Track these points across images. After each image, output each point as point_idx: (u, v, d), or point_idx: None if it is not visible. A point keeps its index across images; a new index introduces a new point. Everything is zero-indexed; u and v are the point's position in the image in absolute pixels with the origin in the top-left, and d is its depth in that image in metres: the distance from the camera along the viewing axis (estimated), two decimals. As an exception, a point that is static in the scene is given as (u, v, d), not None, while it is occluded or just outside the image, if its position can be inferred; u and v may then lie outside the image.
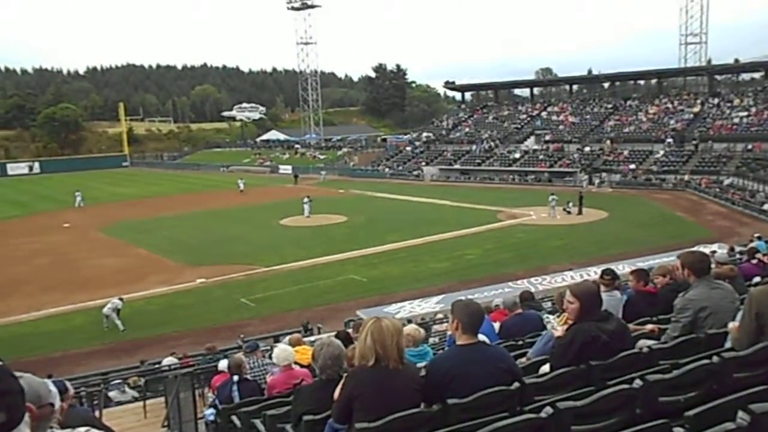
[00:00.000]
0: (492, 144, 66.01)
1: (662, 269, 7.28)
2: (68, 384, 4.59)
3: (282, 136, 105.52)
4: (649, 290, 7.21)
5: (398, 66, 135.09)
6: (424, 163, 67.27)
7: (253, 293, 24.51)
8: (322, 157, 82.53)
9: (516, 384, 3.79)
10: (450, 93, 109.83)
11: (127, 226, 40.85)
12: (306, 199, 42.03)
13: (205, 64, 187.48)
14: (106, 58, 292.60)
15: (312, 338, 12.64)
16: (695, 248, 6.42)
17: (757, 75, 66.44)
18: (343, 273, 27.11)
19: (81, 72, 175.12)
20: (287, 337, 10.36)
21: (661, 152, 53.69)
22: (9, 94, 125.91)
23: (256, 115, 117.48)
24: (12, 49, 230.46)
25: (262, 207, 47.80)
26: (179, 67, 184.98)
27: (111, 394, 15.10)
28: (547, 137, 63.84)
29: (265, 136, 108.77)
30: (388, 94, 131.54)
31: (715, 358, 3.71)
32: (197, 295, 24.81)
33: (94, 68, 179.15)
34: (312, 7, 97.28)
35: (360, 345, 3.73)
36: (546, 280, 24.02)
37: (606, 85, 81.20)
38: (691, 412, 2.88)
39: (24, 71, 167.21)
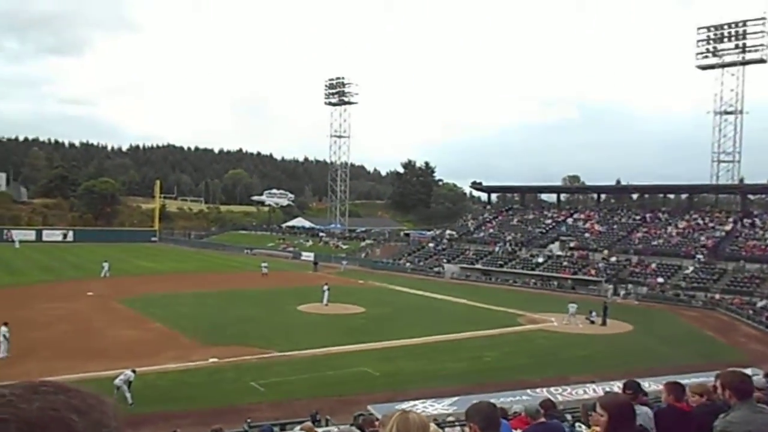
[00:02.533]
0: (515, 247, 65.79)
1: (699, 388, 6.85)
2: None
3: (307, 224, 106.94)
4: (683, 407, 6.77)
5: (427, 164, 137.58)
6: (445, 261, 67.00)
7: (264, 377, 23.93)
8: (344, 246, 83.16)
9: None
10: (476, 193, 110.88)
11: (148, 300, 40.88)
12: (325, 287, 41.75)
13: (240, 150, 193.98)
14: (149, 138, 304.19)
15: (321, 430, 12.11)
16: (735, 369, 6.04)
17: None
18: (357, 365, 26.39)
19: (124, 149, 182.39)
20: (298, 426, 9.92)
21: (691, 268, 52.71)
22: (54, 165, 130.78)
23: (285, 202, 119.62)
24: (63, 122, 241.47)
25: (282, 291, 47.59)
26: (216, 150, 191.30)
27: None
28: (572, 244, 63.30)
29: (291, 222, 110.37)
30: (415, 190, 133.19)
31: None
32: (208, 374, 24.32)
33: (137, 147, 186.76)
34: (348, 103, 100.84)
35: None
36: (567, 390, 23.02)
37: (635, 196, 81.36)
38: None
39: (71, 145, 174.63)
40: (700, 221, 61.41)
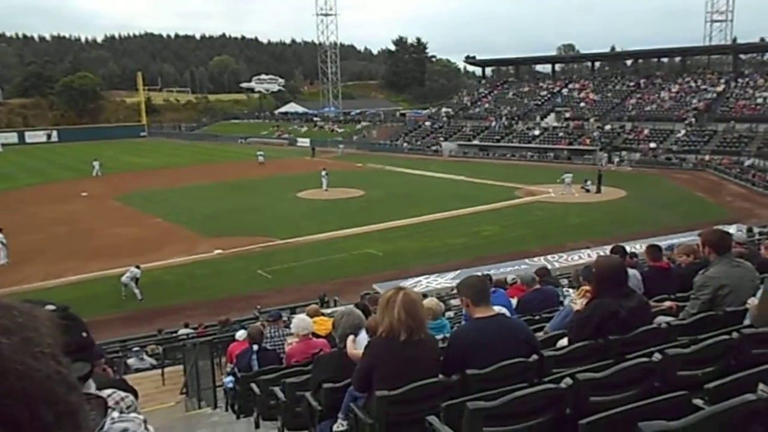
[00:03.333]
0: (512, 120, 65.54)
1: (686, 249, 7.27)
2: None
3: (301, 109, 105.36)
4: (663, 266, 7.21)
5: (419, 40, 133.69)
6: (442, 139, 66.94)
7: (270, 265, 24.72)
8: (340, 130, 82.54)
9: (534, 356, 3.84)
10: (470, 68, 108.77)
11: (145, 196, 41.16)
12: (324, 172, 42.14)
13: (223, 35, 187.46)
14: (125, 27, 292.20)
15: (329, 310, 12.78)
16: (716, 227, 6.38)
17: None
18: (360, 247, 27.22)
19: (99, 40, 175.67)
20: (306, 309, 10.48)
21: (683, 132, 52.96)
22: (27, 62, 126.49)
23: (275, 87, 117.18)
24: (30, 13, 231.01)
25: (280, 179, 47.92)
26: (198, 37, 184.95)
27: (130, 361, 15.44)
28: (568, 114, 63.16)
29: (283, 109, 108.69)
30: (408, 68, 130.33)
31: (734, 334, 3.72)
32: (214, 266, 25.05)
33: (113, 37, 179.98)
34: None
35: (390, 318, 3.71)
36: (563, 257, 23.99)
37: (629, 62, 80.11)
38: (710, 385, 2.91)
39: (42, 38, 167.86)
40: (693, 84, 60.88)
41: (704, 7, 69.35)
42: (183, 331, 17.08)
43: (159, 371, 14.63)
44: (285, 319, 10.49)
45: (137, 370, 14.91)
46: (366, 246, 27.34)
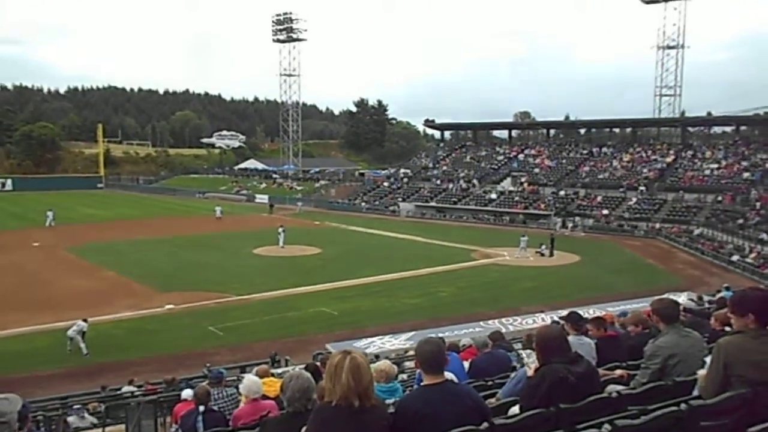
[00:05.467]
0: (469, 183, 66.77)
1: (635, 318, 7.34)
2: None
3: (260, 166, 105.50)
4: (611, 335, 7.26)
5: (380, 102, 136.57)
6: (400, 199, 67.92)
7: (222, 322, 24.16)
8: (299, 188, 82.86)
9: (485, 424, 3.75)
10: (429, 131, 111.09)
11: (98, 248, 40.21)
12: (281, 229, 41.90)
13: (187, 90, 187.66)
14: (88, 79, 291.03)
15: (280, 370, 12.47)
16: (665, 296, 6.50)
17: (728, 129, 68.44)
18: (315, 305, 26.87)
19: (62, 91, 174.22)
20: (255, 369, 10.20)
21: (634, 199, 54.66)
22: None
23: (236, 144, 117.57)
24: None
25: (237, 235, 47.47)
26: (161, 91, 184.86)
27: (70, 419, 14.66)
28: (524, 179, 64.71)
29: (243, 165, 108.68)
30: (368, 129, 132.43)
31: (683, 406, 3.72)
32: (164, 321, 24.38)
33: (75, 88, 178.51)
34: (298, 40, 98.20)
35: (337, 384, 3.57)
36: (518, 321, 24.10)
37: (582, 131, 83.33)
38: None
39: (4, 87, 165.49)
40: (644, 154, 63.37)
41: (653, 81, 72.89)
42: (127, 388, 16.37)
43: (100, 430, 13.92)
44: (231, 379, 10.18)
45: (77, 429, 14.16)
46: (321, 304, 27.01)
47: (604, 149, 67.89)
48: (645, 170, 59.37)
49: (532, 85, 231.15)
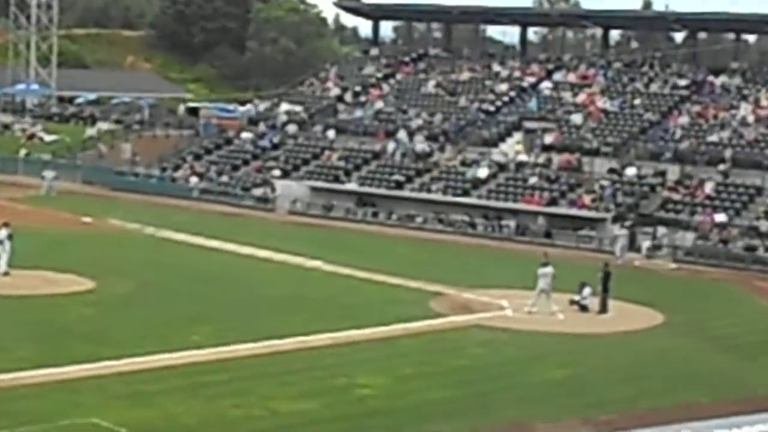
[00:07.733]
0: (431, 143, 40.07)
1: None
2: None
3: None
4: None
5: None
6: (278, 173, 40.20)
7: None
8: (49, 138, 50.33)
9: None
10: (347, 20, 73.01)
11: None
12: (2, 232, 23.44)
13: None
14: None
15: None
16: None
17: None
18: (77, 410, 12.52)
19: None
20: None
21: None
22: None
23: None
24: None
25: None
26: None
27: None
28: (549, 138, 38.31)
29: None
30: (210, 11, 75.01)
31: None
32: None
33: None
34: None
35: None
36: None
37: (679, 36, 51.91)
38: None
39: None
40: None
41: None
42: None
43: None
44: None
45: None
46: (90, 409, 12.61)
47: (725, 79, 40.00)
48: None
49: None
